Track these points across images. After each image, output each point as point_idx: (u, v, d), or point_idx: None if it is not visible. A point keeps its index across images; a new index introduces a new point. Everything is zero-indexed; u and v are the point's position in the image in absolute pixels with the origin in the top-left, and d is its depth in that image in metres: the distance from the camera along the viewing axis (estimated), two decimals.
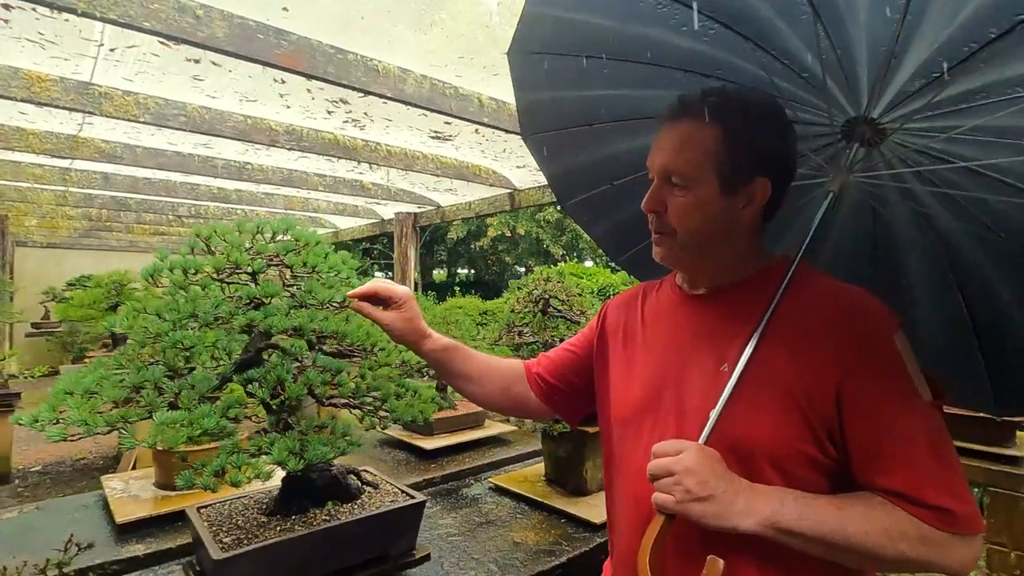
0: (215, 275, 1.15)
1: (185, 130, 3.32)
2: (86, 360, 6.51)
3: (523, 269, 18.48)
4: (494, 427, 2.73)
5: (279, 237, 1.23)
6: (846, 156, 1.01)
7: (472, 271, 21.44)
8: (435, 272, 21.75)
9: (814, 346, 0.81)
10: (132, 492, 1.90)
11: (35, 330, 8.53)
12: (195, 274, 1.15)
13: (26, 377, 5.29)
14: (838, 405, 0.78)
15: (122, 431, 0.95)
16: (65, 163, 4.44)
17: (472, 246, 17.26)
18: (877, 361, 0.79)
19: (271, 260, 1.19)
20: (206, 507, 1.41)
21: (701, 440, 0.80)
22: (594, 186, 1.28)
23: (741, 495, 0.75)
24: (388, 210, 6.64)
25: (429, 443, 2.43)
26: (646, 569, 0.74)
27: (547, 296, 1.98)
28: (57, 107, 2.96)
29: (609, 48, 1.05)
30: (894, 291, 1.12)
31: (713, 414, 0.81)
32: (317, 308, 1.21)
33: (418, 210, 6.47)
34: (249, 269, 1.18)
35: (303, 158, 4.40)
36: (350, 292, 1.11)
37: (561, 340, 1.98)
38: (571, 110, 1.20)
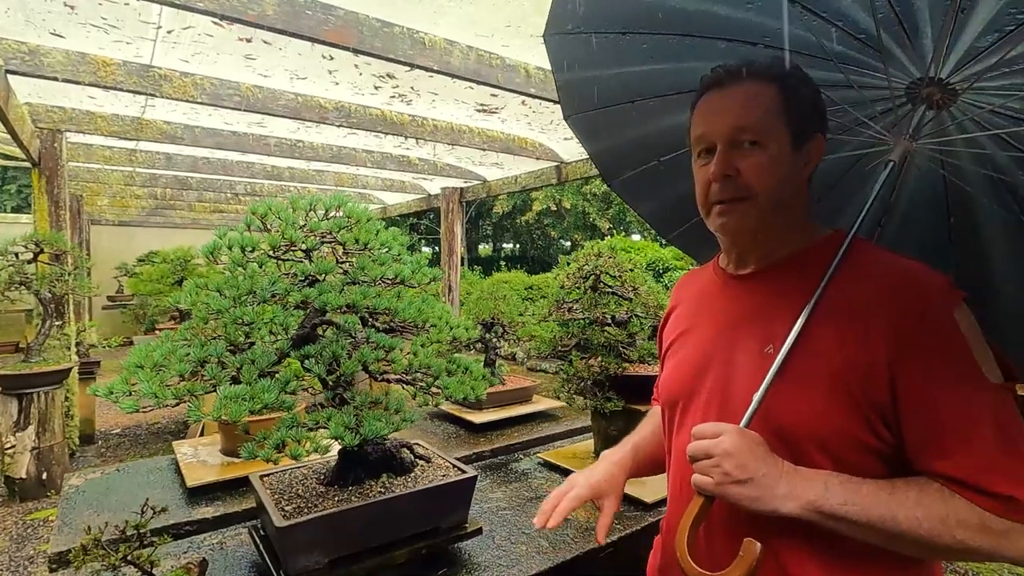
0: (271, 252, 1.17)
1: (240, 109, 3.39)
2: (157, 331, 6.93)
3: (568, 243, 18.33)
4: (542, 402, 2.73)
5: (331, 213, 1.24)
6: (911, 121, 0.93)
7: (517, 245, 21.44)
8: (480, 247, 21.88)
9: (862, 323, 0.76)
10: (201, 458, 2.01)
11: (110, 303, 9.15)
12: (252, 251, 1.18)
13: (105, 347, 5.68)
14: (891, 386, 0.73)
15: (189, 404, 0.99)
16: (131, 144, 4.66)
17: (517, 220, 17.22)
18: (932, 338, 0.73)
19: (324, 237, 1.20)
20: (268, 475, 1.47)
21: (743, 423, 0.78)
22: (641, 163, 1.24)
23: (783, 479, 0.73)
24: (434, 185, 6.67)
25: (478, 417, 2.45)
26: (684, 548, 0.75)
27: (598, 272, 1.92)
28: (121, 90, 3.09)
29: (647, 22, 1.02)
30: (978, 264, 1.03)
31: (756, 397, 0.79)
32: (369, 285, 1.21)
33: (464, 185, 6.47)
34: (303, 246, 1.19)
35: (351, 135, 4.45)
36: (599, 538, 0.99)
37: (612, 317, 1.94)
38: (612, 88, 1.17)
